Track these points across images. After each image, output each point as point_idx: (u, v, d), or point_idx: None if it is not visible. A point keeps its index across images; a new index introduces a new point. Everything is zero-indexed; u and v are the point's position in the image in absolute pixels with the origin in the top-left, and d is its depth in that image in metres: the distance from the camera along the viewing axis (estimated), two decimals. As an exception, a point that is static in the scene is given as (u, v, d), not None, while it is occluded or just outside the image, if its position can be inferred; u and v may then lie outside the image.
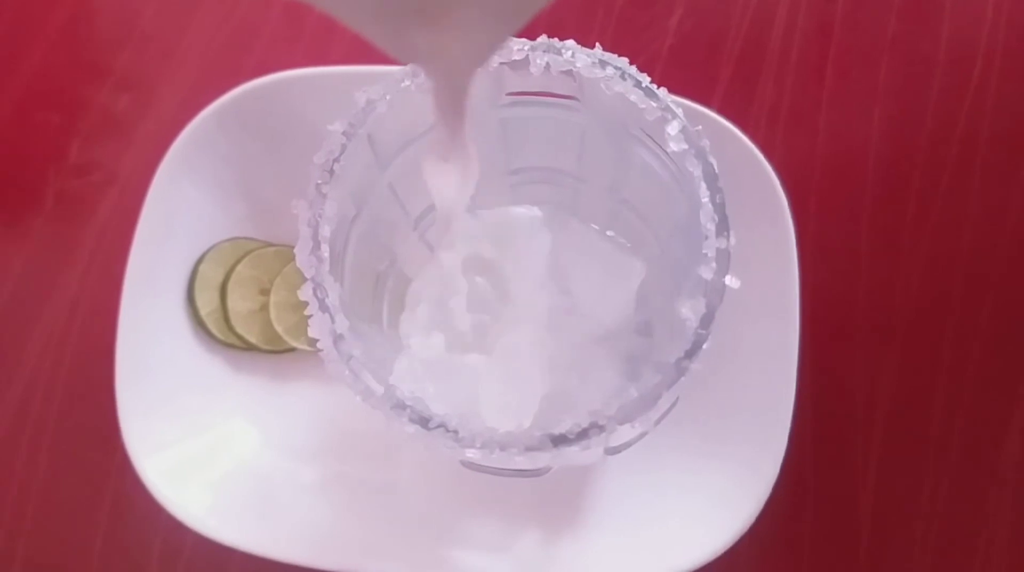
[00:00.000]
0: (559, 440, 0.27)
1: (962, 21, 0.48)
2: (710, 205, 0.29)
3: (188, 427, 0.39)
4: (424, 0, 0.19)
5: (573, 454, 0.28)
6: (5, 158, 0.49)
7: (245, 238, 0.43)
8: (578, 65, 0.30)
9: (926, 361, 0.43)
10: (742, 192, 0.34)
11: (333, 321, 0.28)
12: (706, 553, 0.36)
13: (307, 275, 0.29)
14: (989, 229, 0.45)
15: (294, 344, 0.42)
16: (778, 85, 0.48)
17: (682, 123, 0.30)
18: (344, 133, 0.30)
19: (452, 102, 0.25)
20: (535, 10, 0.20)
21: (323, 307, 0.28)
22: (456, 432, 0.27)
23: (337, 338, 0.28)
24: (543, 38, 0.30)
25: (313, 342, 0.29)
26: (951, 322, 0.44)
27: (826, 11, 0.49)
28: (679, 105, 0.31)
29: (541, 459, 0.28)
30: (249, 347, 0.42)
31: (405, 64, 0.23)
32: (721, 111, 0.39)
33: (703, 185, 0.29)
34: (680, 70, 0.48)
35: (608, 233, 0.40)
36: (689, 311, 0.28)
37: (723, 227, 0.29)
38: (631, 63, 0.31)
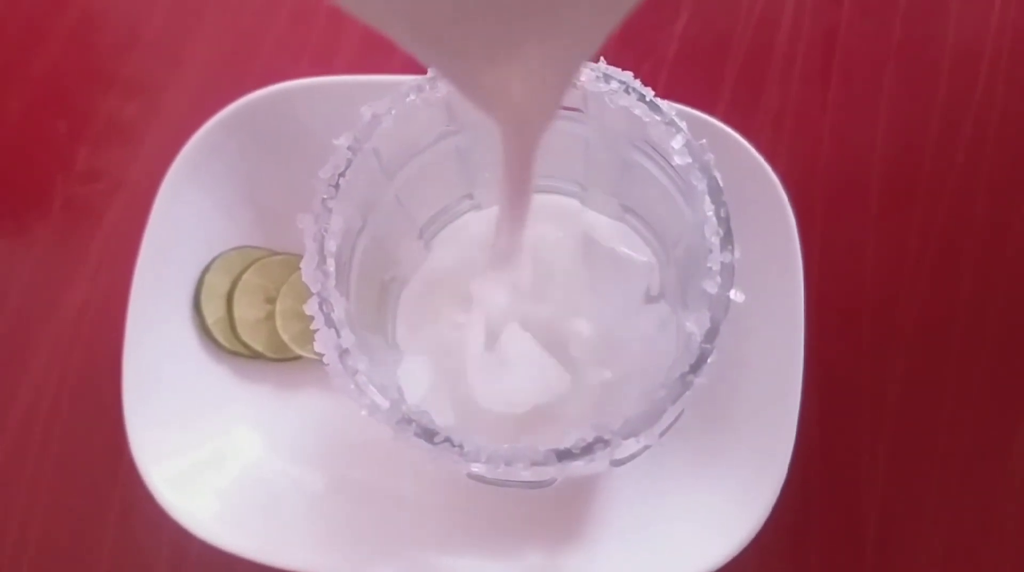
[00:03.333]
0: (564, 455, 0.27)
1: (967, 26, 0.48)
2: (714, 219, 0.29)
3: (194, 435, 0.39)
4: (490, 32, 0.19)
5: (578, 467, 0.28)
6: (12, 165, 0.49)
7: (251, 246, 0.43)
8: (582, 79, 0.30)
9: (933, 369, 0.43)
10: (746, 200, 0.34)
11: (339, 335, 0.28)
12: (711, 562, 0.36)
13: (313, 290, 0.29)
14: (995, 234, 0.45)
15: (300, 352, 0.42)
16: (783, 91, 0.48)
17: (686, 137, 0.30)
18: (350, 148, 0.30)
19: (520, 168, 0.25)
20: (603, 36, 0.20)
21: (329, 322, 0.28)
22: (461, 447, 0.27)
23: (343, 353, 0.28)
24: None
25: (319, 352, 0.29)
26: (958, 330, 0.44)
27: (831, 17, 0.49)
28: (683, 114, 0.32)
29: (546, 473, 0.28)
30: (255, 355, 0.42)
31: (484, 112, 0.23)
32: (725, 117, 0.39)
33: (707, 199, 0.29)
34: (685, 76, 0.48)
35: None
36: (694, 325, 0.29)
37: (727, 241, 0.29)
38: (636, 69, 0.31)
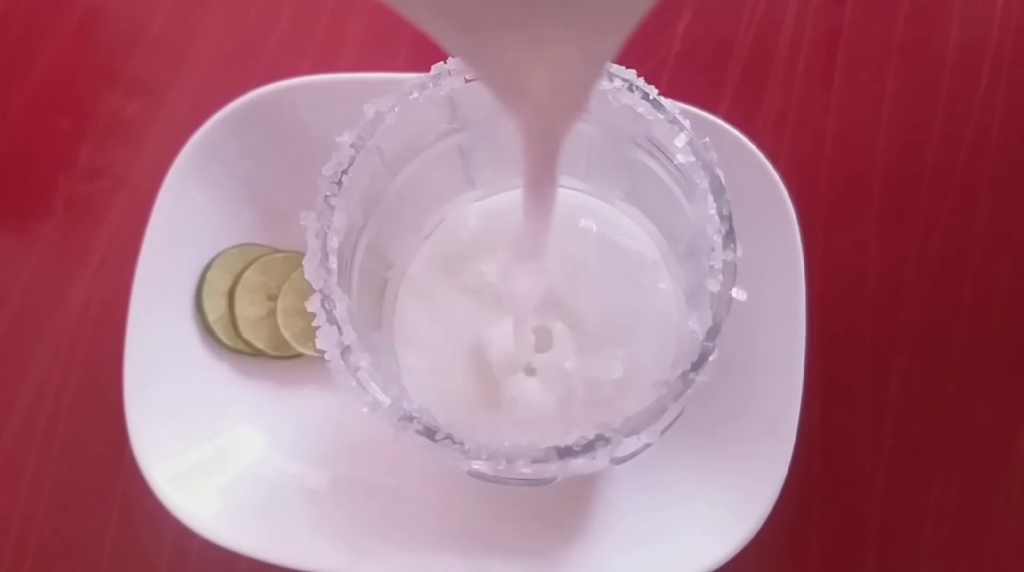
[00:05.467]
0: (565, 452, 0.27)
1: (970, 26, 0.48)
2: (717, 217, 0.29)
3: (196, 433, 0.40)
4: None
5: (579, 465, 0.28)
6: (16, 163, 0.49)
7: (253, 244, 0.43)
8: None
9: (935, 369, 0.43)
10: (749, 200, 0.34)
11: (340, 333, 0.28)
12: (711, 561, 0.36)
13: (315, 286, 0.29)
14: (998, 235, 0.45)
15: (301, 350, 0.42)
16: (785, 90, 0.48)
17: (689, 135, 0.30)
18: (353, 145, 0.30)
19: (545, 166, 0.25)
20: (632, 23, 0.20)
21: (331, 319, 0.28)
22: (462, 444, 0.27)
23: (344, 350, 0.28)
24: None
25: (321, 349, 0.29)
26: (960, 329, 0.44)
27: (833, 16, 0.49)
28: (686, 113, 0.31)
29: (547, 470, 0.28)
30: (257, 353, 0.42)
31: (508, 112, 0.22)
32: (728, 116, 0.39)
33: (710, 197, 0.29)
34: (688, 76, 0.48)
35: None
36: (695, 323, 0.29)
37: (730, 239, 0.29)
38: (639, 68, 0.31)
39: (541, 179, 0.25)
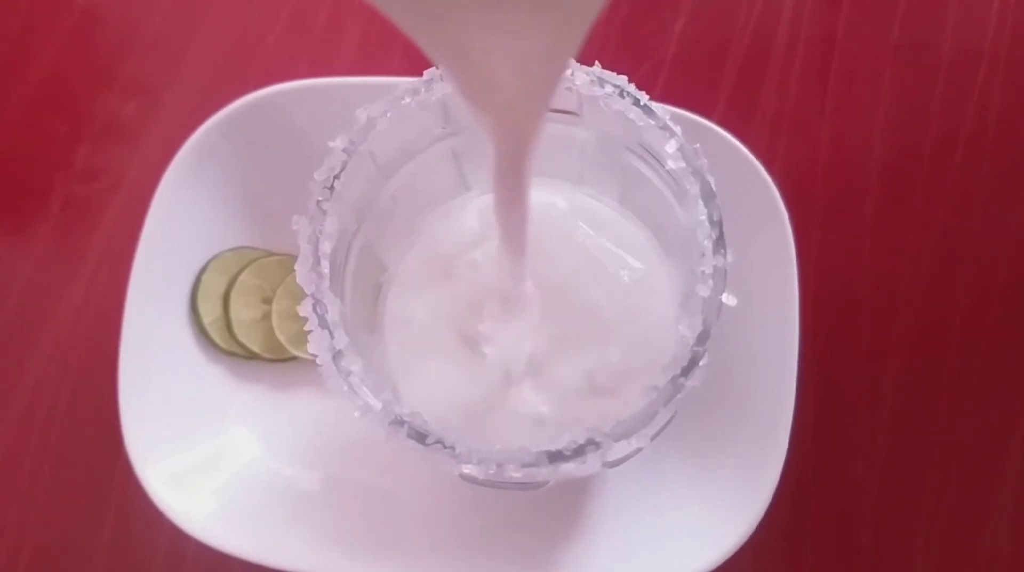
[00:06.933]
0: (556, 457, 0.27)
1: (965, 30, 0.48)
2: (707, 223, 0.29)
3: (190, 435, 0.40)
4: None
5: (570, 469, 0.28)
6: (12, 164, 0.49)
7: (248, 247, 0.43)
8: (577, 83, 0.30)
9: (929, 373, 0.43)
10: (742, 205, 0.34)
11: (332, 337, 0.29)
12: (705, 563, 0.36)
13: (307, 291, 0.29)
14: (993, 238, 0.45)
15: (296, 353, 0.42)
16: (781, 94, 0.48)
17: (680, 141, 0.30)
18: (345, 150, 0.30)
19: (515, 177, 0.25)
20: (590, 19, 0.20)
21: (322, 323, 0.29)
22: (453, 448, 0.27)
23: (336, 354, 0.28)
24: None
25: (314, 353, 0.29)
26: (955, 333, 0.44)
27: (829, 20, 0.49)
28: (679, 118, 0.32)
29: (538, 475, 0.28)
30: (251, 356, 0.42)
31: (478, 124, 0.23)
32: (723, 120, 0.39)
33: (700, 203, 0.29)
34: (683, 79, 0.48)
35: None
36: (686, 328, 0.29)
37: (720, 245, 0.29)
38: (634, 71, 0.31)
39: (511, 194, 0.26)
